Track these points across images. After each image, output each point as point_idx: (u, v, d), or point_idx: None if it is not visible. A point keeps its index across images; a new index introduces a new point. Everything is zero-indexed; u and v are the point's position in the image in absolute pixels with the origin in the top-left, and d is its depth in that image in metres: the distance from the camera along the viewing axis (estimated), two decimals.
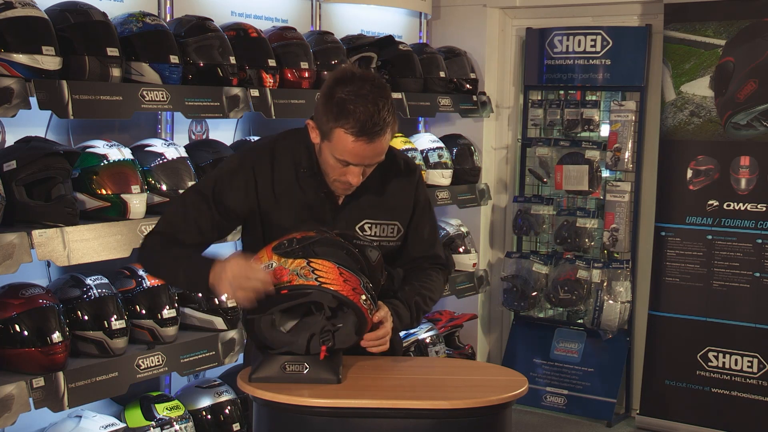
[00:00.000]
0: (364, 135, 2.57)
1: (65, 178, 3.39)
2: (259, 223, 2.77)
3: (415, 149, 5.17)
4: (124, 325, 3.57)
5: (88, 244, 3.40)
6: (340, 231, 2.69)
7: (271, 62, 4.25)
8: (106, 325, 3.53)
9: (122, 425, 3.72)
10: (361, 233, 2.77)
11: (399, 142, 5.09)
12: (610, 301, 5.57)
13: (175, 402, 3.96)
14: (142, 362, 3.63)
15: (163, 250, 2.73)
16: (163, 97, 3.74)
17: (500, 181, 6.15)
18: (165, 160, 3.82)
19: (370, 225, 2.79)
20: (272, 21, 4.87)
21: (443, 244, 4.72)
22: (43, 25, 3.34)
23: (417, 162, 5.01)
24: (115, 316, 3.56)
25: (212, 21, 4.12)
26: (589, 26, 5.78)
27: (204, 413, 4.05)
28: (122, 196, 3.58)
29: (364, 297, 2.54)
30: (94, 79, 3.51)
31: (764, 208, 5.18)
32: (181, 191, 3.78)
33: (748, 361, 5.20)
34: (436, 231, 2.96)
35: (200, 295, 3.96)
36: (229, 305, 4.01)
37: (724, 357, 5.28)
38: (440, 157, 5.33)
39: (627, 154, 5.59)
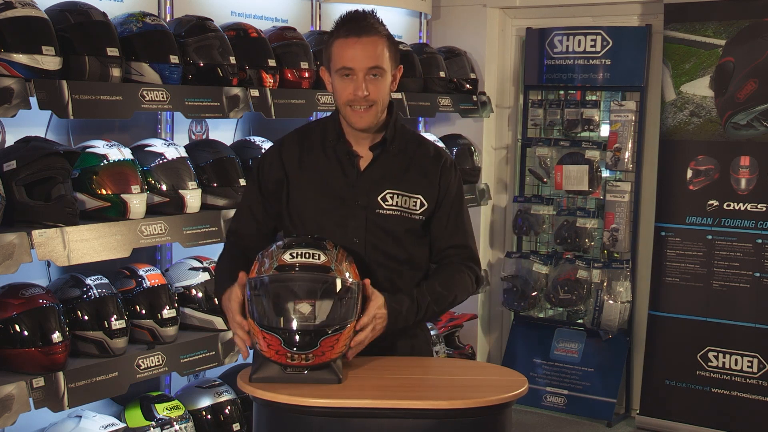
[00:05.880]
0: (353, 33, 2.74)
1: (65, 178, 3.39)
2: (286, 193, 2.88)
3: None
4: (124, 325, 3.57)
5: (88, 244, 3.40)
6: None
7: (271, 62, 4.25)
8: (106, 325, 3.53)
9: (122, 425, 3.72)
10: (383, 203, 2.83)
11: None
12: (610, 301, 5.57)
13: (175, 402, 3.95)
14: (142, 362, 3.62)
15: (221, 259, 2.95)
16: (163, 97, 3.74)
17: (500, 181, 6.15)
18: (165, 160, 3.82)
19: (391, 195, 2.84)
20: (272, 21, 4.87)
21: None
22: (43, 25, 3.34)
23: None
24: (115, 316, 3.55)
25: (212, 21, 4.12)
26: (589, 26, 5.78)
27: (204, 413, 4.05)
28: (122, 196, 3.57)
29: None
30: (94, 79, 3.50)
31: (764, 208, 5.18)
32: (180, 191, 3.80)
33: (748, 361, 5.20)
34: (463, 223, 2.99)
35: None
36: None
37: (724, 357, 5.28)
38: None
39: (627, 154, 5.59)
